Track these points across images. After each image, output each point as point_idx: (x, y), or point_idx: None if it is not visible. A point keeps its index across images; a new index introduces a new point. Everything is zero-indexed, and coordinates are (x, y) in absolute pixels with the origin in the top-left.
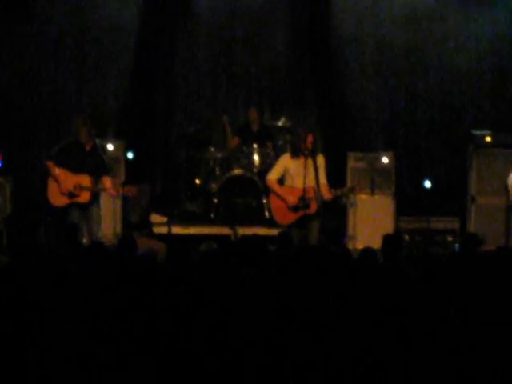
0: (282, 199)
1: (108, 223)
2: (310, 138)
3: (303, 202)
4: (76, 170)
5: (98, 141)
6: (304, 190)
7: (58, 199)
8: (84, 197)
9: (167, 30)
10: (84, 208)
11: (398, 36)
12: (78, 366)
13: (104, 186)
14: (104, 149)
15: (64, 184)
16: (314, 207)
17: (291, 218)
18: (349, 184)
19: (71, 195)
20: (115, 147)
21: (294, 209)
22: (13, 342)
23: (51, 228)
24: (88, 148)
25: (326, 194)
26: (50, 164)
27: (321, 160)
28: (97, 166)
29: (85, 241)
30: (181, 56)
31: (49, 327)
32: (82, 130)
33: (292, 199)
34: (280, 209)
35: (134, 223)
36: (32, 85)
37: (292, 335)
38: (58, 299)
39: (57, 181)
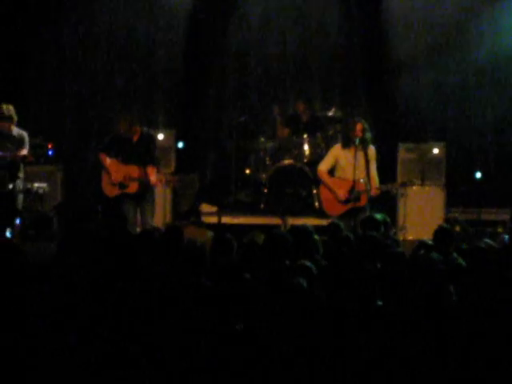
0: (332, 191)
1: (158, 213)
2: (359, 127)
3: (354, 194)
4: (125, 160)
5: (148, 130)
6: (354, 183)
7: (109, 190)
8: (132, 187)
9: (219, 21)
10: (136, 199)
11: (450, 23)
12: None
13: (148, 176)
14: (154, 139)
15: (115, 175)
16: (363, 200)
17: (340, 209)
18: (399, 176)
19: (122, 186)
20: (165, 137)
21: (345, 201)
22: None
23: (103, 216)
24: (135, 139)
25: (375, 189)
26: (102, 156)
27: (371, 152)
28: (144, 156)
29: (138, 230)
30: (232, 46)
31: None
32: (122, 127)
33: (342, 192)
34: (329, 200)
35: (184, 212)
36: (83, 74)
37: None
38: (108, 285)
39: (108, 172)
